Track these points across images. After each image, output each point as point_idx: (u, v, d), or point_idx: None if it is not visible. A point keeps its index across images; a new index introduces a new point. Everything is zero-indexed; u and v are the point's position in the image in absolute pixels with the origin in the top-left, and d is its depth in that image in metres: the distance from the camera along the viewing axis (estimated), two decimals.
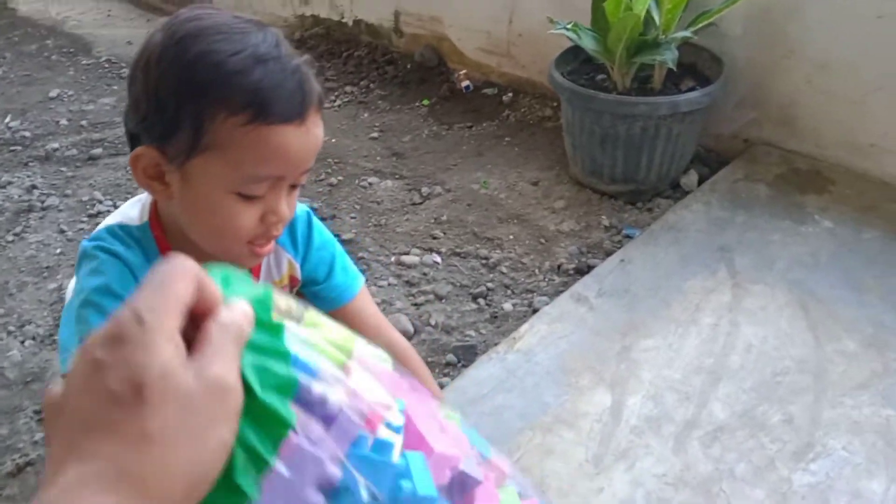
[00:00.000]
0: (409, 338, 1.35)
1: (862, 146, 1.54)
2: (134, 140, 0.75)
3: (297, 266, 0.92)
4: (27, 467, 1.18)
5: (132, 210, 0.84)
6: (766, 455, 1.02)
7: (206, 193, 0.73)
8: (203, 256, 0.75)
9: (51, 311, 1.51)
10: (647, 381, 1.14)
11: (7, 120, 2.27)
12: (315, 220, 0.92)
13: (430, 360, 1.29)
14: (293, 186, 0.77)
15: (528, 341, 1.24)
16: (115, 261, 0.79)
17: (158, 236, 0.81)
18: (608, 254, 1.47)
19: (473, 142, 1.95)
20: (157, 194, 0.76)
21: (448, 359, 1.29)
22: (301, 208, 0.90)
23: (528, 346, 1.22)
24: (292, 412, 0.36)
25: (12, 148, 2.11)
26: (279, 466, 0.35)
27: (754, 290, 1.30)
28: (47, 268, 1.63)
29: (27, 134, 2.18)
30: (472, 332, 1.35)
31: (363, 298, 0.98)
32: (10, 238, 1.72)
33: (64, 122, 2.23)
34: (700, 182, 1.66)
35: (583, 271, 1.44)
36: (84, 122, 2.22)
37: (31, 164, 2.02)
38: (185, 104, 0.69)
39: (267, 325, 0.37)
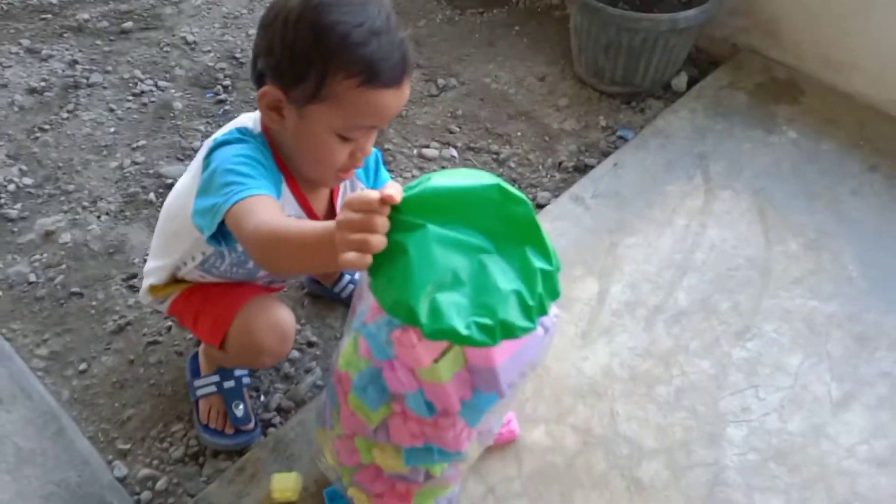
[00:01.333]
0: None
1: (834, 62, 1.73)
2: (260, 76, 0.96)
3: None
4: (127, 326, 1.47)
5: (247, 122, 1.04)
6: (714, 335, 1.33)
7: (316, 132, 0.95)
8: (298, 173, 1.02)
9: (117, 188, 1.72)
10: (628, 273, 1.43)
11: None
12: (381, 159, 1.16)
13: None
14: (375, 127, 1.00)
15: None
16: (251, 144, 1.00)
17: (271, 144, 1.02)
18: (604, 154, 1.70)
19: (485, 29, 2.09)
20: (272, 122, 0.98)
21: None
22: (373, 150, 1.13)
23: None
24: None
25: (43, 16, 2.20)
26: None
27: (723, 195, 1.55)
28: (105, 146, 1.82)
29: (55, 1, 2.26)
30: None
31: None
32: (64, 115, 1.89)
33: None
34: (689, 83, 1.86)
35: (580, 170, 1.68)
36: None
37: (65, 34, 2.13)
38: (315, 62, 0.90)
39: None
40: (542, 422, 1.20)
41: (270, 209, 0.88)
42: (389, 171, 1.71)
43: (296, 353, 1.40)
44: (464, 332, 0.67)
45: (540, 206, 1.60)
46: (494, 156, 1.75)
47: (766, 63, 1.83)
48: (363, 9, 0.90)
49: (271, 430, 1.28)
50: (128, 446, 1.29)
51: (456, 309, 0.67)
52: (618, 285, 1.41)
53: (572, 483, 1.13)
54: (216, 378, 1.30)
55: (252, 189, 0.90)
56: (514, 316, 0.69)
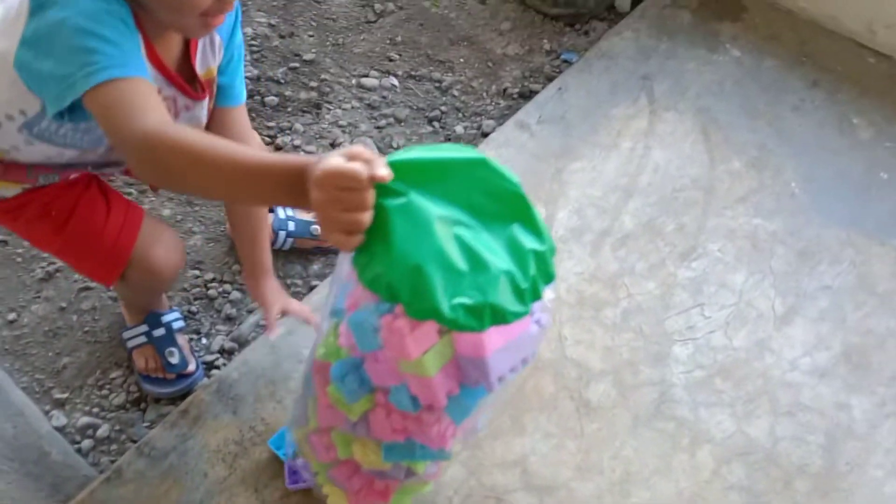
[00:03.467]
0: None
1: None
2: None
3: (222, 55, 0.98)
4: (56, 273, 1.40)
5: None
6: (660, 256, 1.33)
7: None
8: (147, 19, 0.83)
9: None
10: (574, 198, 1.41)
11: None
12: (240, 15, 1.00)
13: None
14: None
15: None
16: (111, 12, 0.78)
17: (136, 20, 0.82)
18: (548, 79, 1.66)
19: None
20: None
21: None
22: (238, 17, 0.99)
23: None
24: None
25: None
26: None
27: (666, 116, 1.54)
28: None
29: None
30: None
31: (245, 111, 1.09)
32: None
33: None
34: (633, 3, 1.81)
35: (525, 96, 1.64)
36: None
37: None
38: None
39: None
40: None
41: (154, 102, 0.75)
42: (327, 103, 1.65)
43: (237, 294, 1.36)
44: (448, 314, 0.62)
45: (485, 135, 1.56)
46: (437, 84, 1.69)
47: None
48: None
49: (214, 371, 1.25)
50: (65, 395, 1.25)
51: (442, 288, 0.62)
52: (563, 211, 1.39)
53: (522, 406, 1.13)
54: (145, 328, 1.25)
55: (122, 67, 0.74)
56: (506, 299, 0.63)
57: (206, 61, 0.97)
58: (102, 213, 1.04)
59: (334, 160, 0.59)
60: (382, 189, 0.62)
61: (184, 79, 0.94)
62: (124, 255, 1.04)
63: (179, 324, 1.27)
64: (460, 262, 0.63)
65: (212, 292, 1.36)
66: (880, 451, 1.12)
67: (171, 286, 1.31)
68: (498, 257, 0.65)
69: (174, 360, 1.21)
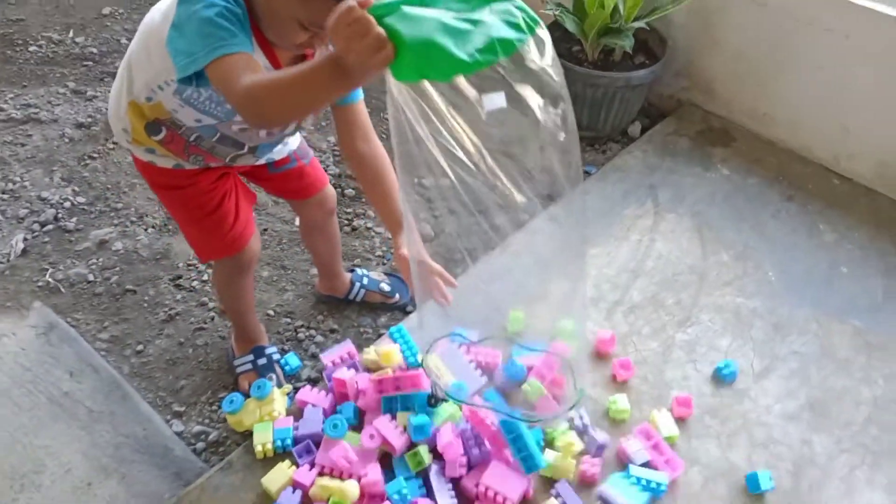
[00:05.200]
0: (430, 240, 1.92)
1: (758, 114, 2.12)
2: None
3: None
4: (176, 316, 1.74)
5: None
6: (662, 322, 1.66)
7: (279, 13, 1.02)
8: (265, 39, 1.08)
9: (159, 206, 2.01)
10: (593, 275, 1.75)
11: (71, 35, 2.65)
12: None
13: (446, 255, 1.88)
14: None
15: (516, 247, 1.82)
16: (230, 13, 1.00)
17: (250, 11, 1.04)
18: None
19: None
20: None
21: (458, 256, 1.88)
22: None
23: (516, 250, 1.81)
24: None
25: (84, 63, 2.52)
26: None
27: (668, 217, 1.91)
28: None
29: (94, 50, 2.58)
30: (475, 239, 1.93)
31: (363, 106, 1.31)
32: (110, 146, 2.19)
33: (124, 40, 2.62)
34: (642, 130, 2.23)
35: (554, 196, 2.02)
36: None
37: (106, 80, 2.44)
38: None
39: None
40: None
41: (256, 69, 0.95)
42: None
43: (321, 338, 1.69)
44: (469, 60, 0.78)
45: (520, 225, 1.92)
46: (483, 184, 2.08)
47: (705, 115, 2.22)
48: None
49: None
50: (183, 409, 1.56)
51: (454, 46, 0.78)
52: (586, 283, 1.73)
53: None
54: (251, 357, 1.58)
55: (235, 46, 0.96)
56: (507, 33, 0.80)
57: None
58: (231, 218, 1.37)
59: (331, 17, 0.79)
60: (380, 15, 0.79)
61: None
62: (235, 251, 1.39)
63: (277, 356, 1.60)
64: (461, 25, 0.79)
65: (300, 335, 1.69)
66: (836, 477, 1.39)
67: (252, 291, 1.60)
68: (489, 15, 0.82)
69: (273, 383, 1.54)
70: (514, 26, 0.83)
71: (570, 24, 2.05)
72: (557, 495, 1.32)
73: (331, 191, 1.58)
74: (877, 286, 1.75)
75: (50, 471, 1.43)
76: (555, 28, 2.18)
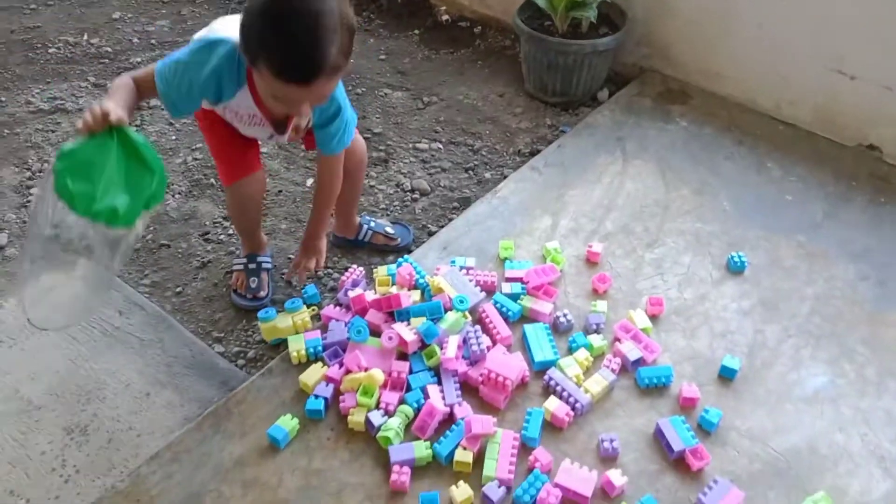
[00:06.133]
0: (427, 194, 2.18)
1: (711, 74, 2.40)
2: None
3: (313, 123, 1.58)
4: (208, 264, 1.97)
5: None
6: (632, 246, 1.91)
7: (261, 86, 1.39)
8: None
9: (184, 176, 2.25)
10: (571, 211, 2.01)
11: (86, 37, 2.89)
12: (341, 112, 1.54)
13: (442, 206, 2.13)
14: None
15: (503, 193, 2.08)
16: (215, 74, 1.41)
17: (249, 73, 1.43)
18: (550, 142, 2.31)
19: (456, 64, 2.73)
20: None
21: (453, 205, 2.13)
22: (336, 100, 1.51)
23: (503, 196, 2.07)
24: None
25: (101, 61, 2.76)
26: None
27: (635, 163, 2.17)
28: (170, 149, 2.35)
29: (108, 49, 2.82)
30: (467, 190, 2.19)
31: (332, 159, 1.65)
32: (133, 128, 2.42)
33: (136, 40, 2.87)
34: (609, 96, 2.50)
35: (534, 153, 2.28)
36: (153, 41, 2.86)
37: (122, 73, 2.68)
38: (249, 46, 1.30)
39: None
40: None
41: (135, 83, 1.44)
42: (392, 159, 2.29)
43: (336, 275, 1.93)
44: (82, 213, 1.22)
45: (505, 176, 2.18)
46: (470, 147, 2.34)
47: (664, 78, 2.50)
48: (298, 17, 1.23)
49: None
50: (222, 335, 1.79)
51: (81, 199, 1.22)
52: (565, 219, 1.99)
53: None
54: (244, 260, 1.86)
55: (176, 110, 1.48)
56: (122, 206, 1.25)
57: (299, 121, 1.60)
58: (245, 152, 1.72)
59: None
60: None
61: (277, 120, 1.58)
62: (243, 175, 1.71)
63: (268, 265, 1.85)
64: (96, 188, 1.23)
65: (319, 273, 1.93)
66: (785, 356, 1.65)
67: (255, 215, 1.86)
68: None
69: (253, 285, 1.81)
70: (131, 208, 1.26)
71: (541, 2, 2.32)
72: (549, 379, 1.57)
73: (360, 144, 1.82)
74: (817, 209, 2.03)
75: (111, 387, 1.65)
76: (528, 6, 2.46)
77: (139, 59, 2.76)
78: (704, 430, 1.51)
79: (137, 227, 1.31)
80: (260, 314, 1.69)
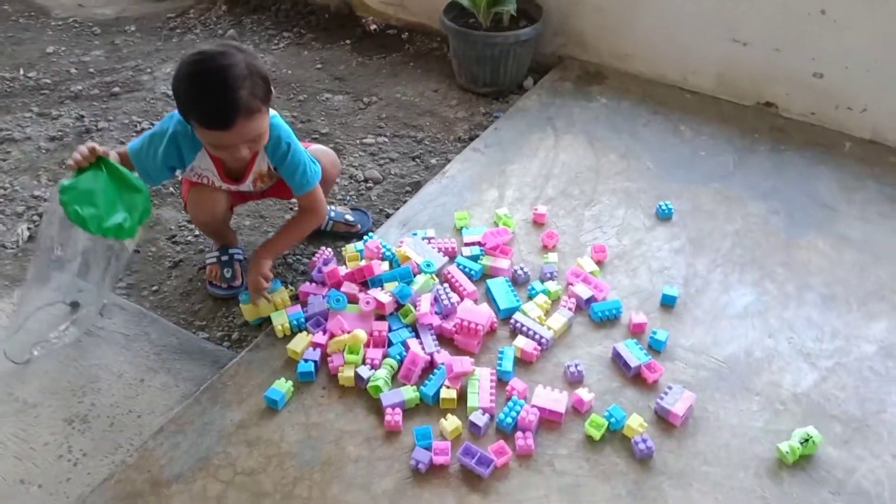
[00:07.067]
0: (380, 182, 2.34)
1: (622, 55, 2.66)
2: None
3: (272, 168, 1.77)
4: (180, 262, 2.06)
5: None
6: (572, 206, 2.12)
7: (202, 142, 1.64)
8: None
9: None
10: (514, 183, 2.21)
11: (22, 72, 2.93)
12: (292, 148, 1.73)
13: (396, 191, 2.29)
14: (256, 139, 1.62)
15: (451, 173, 2.26)
16: (176, 137, 1.66)
17: None
18: (486, 127, 2.51)
19: (389, 67, 2.91)
20: None
21: (406, 189, 2.30)
22: (284, 140, 1.71)
23: (451, 175, 2.25)
24: None
25: (42, 92, 2.81)
26: None
27: (566, 137, 2.39)
28: None
29: (48, 80, 2.87)
30: (416, 176, 2.36)
31: (304, 196, 1.81)
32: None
33: (73, 70, 2.93)
34: (534, 83, 2.73)
35: (473, 138, 2.47)
36: (91, 70, 2.93)
37: (65, 102, 2.74)
38: (179, 105, 1.61)
39: None
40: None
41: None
42: (342, 155, 2.44)
43: (305, 259, 2.06)
44: (95, 231, 1.54)
45: (448, 160, 2.36)
46: (413, 138, 2.52)
47: (581, 63, 2.75)
48: (209, 73, 1.52)
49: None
50: (204, 323, 1.89)
51: (92, 219, 1.53)
52: (509, 189, 2.18)
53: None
54: (217, 253, 1.97)
55: (130, 148, 1.72)
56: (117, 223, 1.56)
57: (259, 166, 1.77)
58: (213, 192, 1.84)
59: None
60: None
61: (234, 173, 1.79)
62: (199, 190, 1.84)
63: (239, 256, 1.97)
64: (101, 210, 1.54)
65: (289, 260, 2.05)
66: (715, 282, 1.88)
67: (203, 228, 1.99)
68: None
69: (228, 275, 1.92)
70: (125, 225, 1.59)
71: (465, 1, 2.54)
72: (515, 322, 1.74)
73: (331, 154, 2.00)
74: (729, 160, 2.29)
75: (104, 379, 1.73)
76: (452, 7, 2.67)
77: (80, 87, 2.82)
78: (654, 349, 1.71)
79: (136, 239, 1.62)
80: (241, 296, 1.81)
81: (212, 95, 1.52)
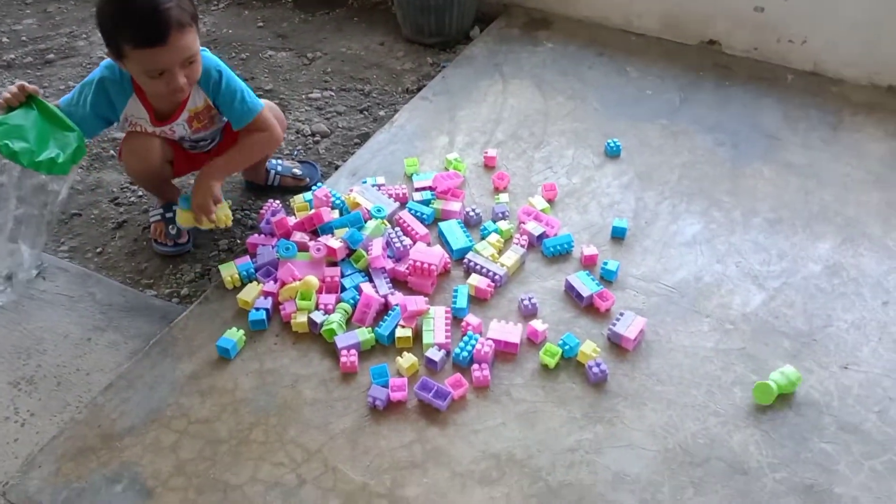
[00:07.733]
0: (327, 136, 2.30)
1: (568, 1, 2.65)
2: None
3: (210, 100, 1.72)
4: (124, 223, 2.01)
5: None
6: (522, 149, 2.11)
7: (136, 74, 1.57)
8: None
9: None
10: (464, 129, 2.19)
11: None
12: (224, 76, 1.69)
13: (344, 143, 2.26)
14: (190, 63, 1.56)
15: (399, 122, 2.23)
16: (104, 82, 1.63)
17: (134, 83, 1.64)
18: (433, 78, 2.48)
19: (333, 22, 2.86)
20: (123, 69, 1.59)
21: (355, 141, 2.26)
22: (214, 67, 1.66)
23: (400, 124, 2.22)
24: None
25: None
26: None
27: (514, 82, 2.38)
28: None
29: None
30: (364, 128, 2.33)
31: (243, 132, 1.76)
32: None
33: (5, 39, 2.82)
34: (481, 32, 2.70)
35: (421, 89, 2.45)
36: (24, 38, 2.82)
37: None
38: (108, 38, 1.53)
39: None
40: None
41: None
42: (288, 111, 2.39)
43: (254, 215, 2.02)
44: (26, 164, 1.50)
45: (396, 111, 2.34)
46: (361, 91, 2.48)
47: (526, 10, 2.73)
48: None
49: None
50: (151, 281, 1.85)
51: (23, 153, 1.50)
52: (460, 136, 2.17)
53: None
54: (161, 210, 1.92)
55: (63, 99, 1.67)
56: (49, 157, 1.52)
57: (193, 103, 1.71)
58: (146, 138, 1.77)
59: None
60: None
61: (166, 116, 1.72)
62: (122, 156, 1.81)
63: None
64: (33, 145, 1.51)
65: (237, 216, 2.01)
66: (664, 213, 1.89)
67: (141, 181, 1.95)
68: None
69: (173, 232, 1.88)
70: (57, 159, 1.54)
71: None
72: (469, 262, 1.73)
73: (276, 109, 1.93)
74: (674, 98, 2.30)
75: (49, 341, 1.68)
76: None
77: (13, 56, 2.72)
78: (606, 280, 1.72)
79: (69, 178, 1.58)
80: (180, 201, 1.76)
81: (143, 10, 1.48)
